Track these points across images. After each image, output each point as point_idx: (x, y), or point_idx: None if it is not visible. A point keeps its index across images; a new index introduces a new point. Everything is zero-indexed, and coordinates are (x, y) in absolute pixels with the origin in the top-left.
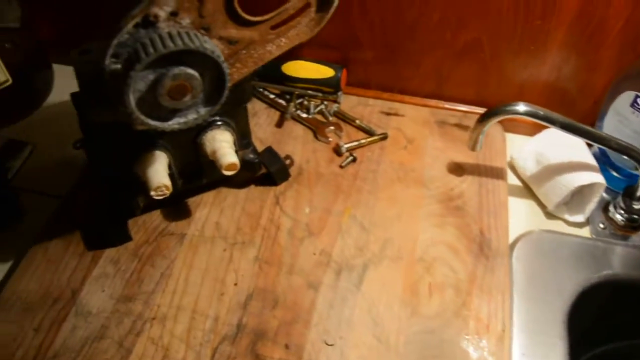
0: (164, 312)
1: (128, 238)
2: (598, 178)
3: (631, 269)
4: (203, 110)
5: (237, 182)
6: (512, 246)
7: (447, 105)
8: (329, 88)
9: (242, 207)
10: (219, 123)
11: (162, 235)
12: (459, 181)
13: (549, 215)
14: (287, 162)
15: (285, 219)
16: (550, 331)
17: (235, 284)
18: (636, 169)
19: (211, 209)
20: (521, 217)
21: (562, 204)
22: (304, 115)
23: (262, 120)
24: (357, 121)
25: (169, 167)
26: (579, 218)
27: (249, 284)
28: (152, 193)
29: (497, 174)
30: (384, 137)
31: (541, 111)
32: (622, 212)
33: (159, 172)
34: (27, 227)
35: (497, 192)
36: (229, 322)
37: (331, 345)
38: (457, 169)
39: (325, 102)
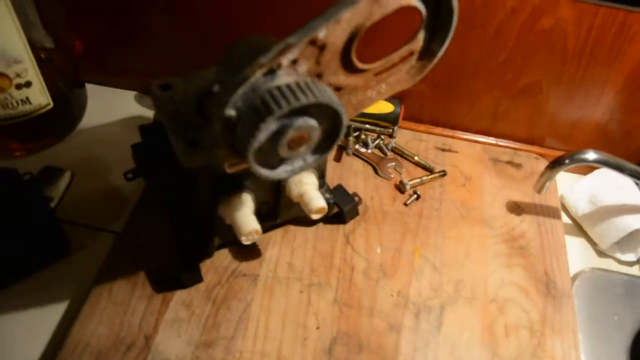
0: (248, 358)
1: (200, 279)
2: None
3: None
4: (310, 159)
5: (305, 220)
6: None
7: (499, 142)
8: (386, 123)
9: (313, 247)
10: None
11: (234, 276)
12: (519, 220)
13: (600, 253)
14: (356, 199)
15: (359, 259)
16: None
17: (317, 328)
18: None
19: (281, 249)
20: (573, 254)
21: (614, 243)
22: (363, 150)
23: None
24: (416, 158)
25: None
26: (631, 257)
27: (331, 328)
28: (243, 239)
29: (552, 213)
30: (444, 174)
31: (612, 159)
32: None
33: (249, 217)
34: (76, 261)
35: (555, 232)
36: None
37: None
38: (516, 208)
39: (382, 137)
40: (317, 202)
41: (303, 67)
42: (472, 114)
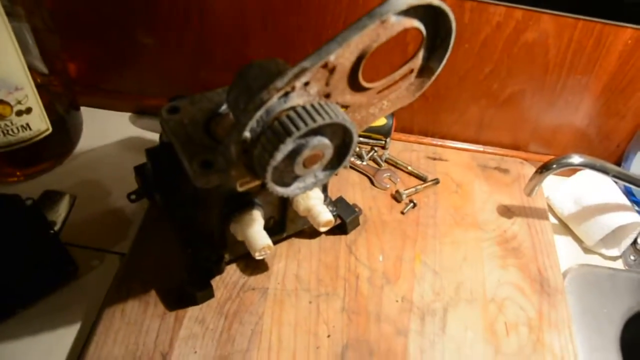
0: None
1: (211, 295)
2: (635, 218)
3: None
4: (322, 175)
5: (309, 232)
6: None
7: (486, 149)
8: (379, 135)
9: (318, 259)
10: None
11: (244, 290)
12: (510, 223)
13: (586, 250)
14: (357, 210)
15: (362, 268)
16: (609, 358)
17: (329, 336)
18: None
19: (287, 262)
20: (561, 252)
21: (599, 240)
22: (358, 163)
23: None
24: (410, 167)
25: None
26: (615, 252)
27: (342, 335)
28: (257, 254)
29: (540, 214)
30: (437, 182)
31: (596, 162)
32: None
33: (261, 233)
34: (83, 283)
35: (544, 232)
36: None
37: None
38: (506, 212)
39: (375, 149)
40: (324, 215)
41: (314, 89)
42: (460, 123)
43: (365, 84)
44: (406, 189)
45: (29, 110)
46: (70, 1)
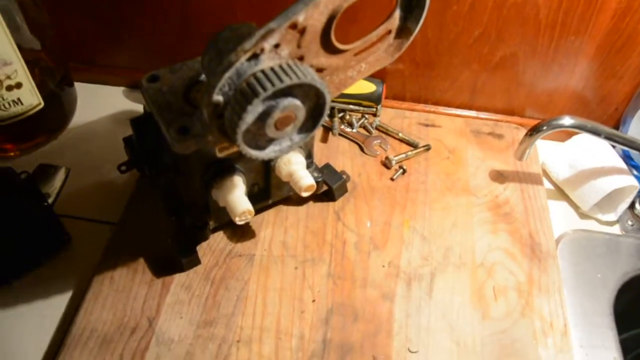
0: (248, 334)
1: (198, 262)
2: (631, 181)
3: None
4: (297, 138)
5: (296, 199)
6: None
7: (479, 114)
8: (370, 102)
9: (305, 225)
10: None
11: (231, 257)
12: (503, 188)
13: (582, 215)
14: (344, 177)
15: (350, 233)
16: (601, 323)
17: (314, 301)
18: None
19: (274, 229)
20: (557, 218)
21: (595, 205)
22: (349, 130)
23: None
24: (400, 134)
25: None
26: (611, 217)
27: (327, 300)
28: (237, 219)
29: (534, 179)
30: (428, 148)
31: (587, 124)
32: None
33: (242, 198)
34: (76, 253)
35: (538, 197)
36: (315, 339)
37: (415, 352)
38: (499, 177)
39: (366, 116)
40: (305, 180)
41: (285, 51)
42: (453, 89)
43: (339, 46)
44: (396, 155)
45: (19, 85)
46: None
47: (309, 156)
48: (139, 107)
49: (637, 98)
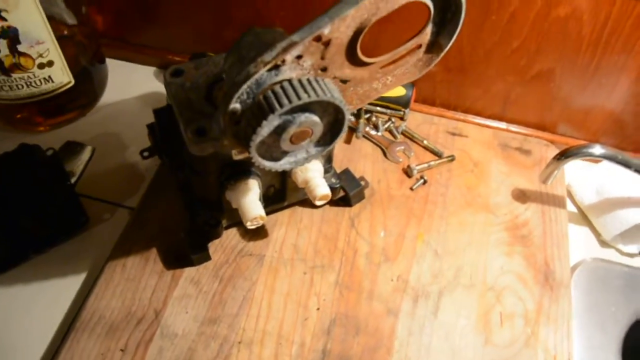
0: (250, 336)
1: (208, 258)
2: None
3: None
4: (314, 151)
5: (312, 202)
6: (570, 273)
7: (510, 127)
8: (398, 106)
9: (318, 229)
10: None
11: (241, 255)
12: (524, 209)
13: (603, 243)
14: (363, 183)
15: (362, 242)
16: (606, 358)
17: (318, 309)
18: None
19: (287, 230)
20: (576, 243)
21: (618, 234)
22: (373, 133)
23: None
24: (425, 142)
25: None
26: (633, 249)
27: (331, 310)
28: (248, 224)
29: (558, 202)
30: (452, 159)
31: (618, 155)
32: None
33: (255, 203)
34: (95, 235)
35: (559, 222)
36: (315, 348)
37: None
38: (521, 196)
39: (393, 119)
40: (321, 189)
41: (308, 62)
42: (485, 98)
43: (365, 59)
44: (418, 164)
45: (50, 64)
46: None
47: (328, 161)
48: None
49: None
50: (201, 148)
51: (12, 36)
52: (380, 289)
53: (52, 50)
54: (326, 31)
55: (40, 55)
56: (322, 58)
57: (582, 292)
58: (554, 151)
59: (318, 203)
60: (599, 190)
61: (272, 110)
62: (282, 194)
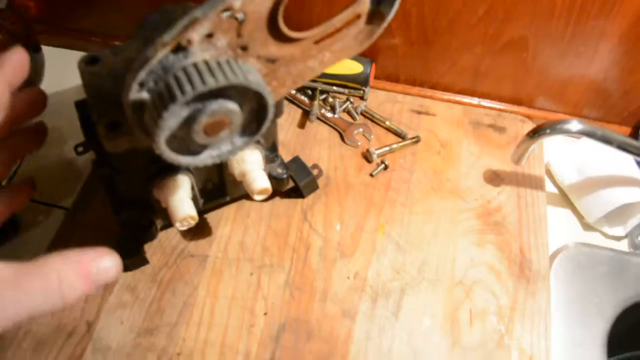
0: (191, 346)
1: (145, 261)
2: None
3: None
4: (239, 142)
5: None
6: (550, 261)
7: (482, 102)
8: (356, 84)
9: (267, 225)
10: None
11: (182, 257)
12: (497, 192)
13: (586, 226)
14: (315, 171)
15: (315, 237)
16: (590, 356)
17: (266, 314)
18: None
19: (233, 227)
20: (557, 227)
21: (602, 217)
22: (330, 115)
23: (282, 120)
24: (387, 122)
25: (192, 188)
26: (619, 231)
27: (280, 314)
28: (177, 225)
29: (535, 183)
30: (417, 140)
31: (598, 131)
32: None
33: (184, 202)
34: (28, 240)
35: (536, 205)
36: (262, 358)
37: None
38: (495, 178)
39: (351, 99)
40: (259, 182)
41: (222, 41)
42: (453, 73)
43: (291, 34)
44: (379, 148)
45: None
46: None
47: (272, 149)
48: None
49: None
50: (115, 144)
51: None
52: (335, 289)
53: None
54: (237, 4)
55: None
56: (239, 35)
57: (562, 283)
58: (531, 127)
59: (257, 198)
60: (580, 168)
61: (173, 99)
62: (222, 188)
